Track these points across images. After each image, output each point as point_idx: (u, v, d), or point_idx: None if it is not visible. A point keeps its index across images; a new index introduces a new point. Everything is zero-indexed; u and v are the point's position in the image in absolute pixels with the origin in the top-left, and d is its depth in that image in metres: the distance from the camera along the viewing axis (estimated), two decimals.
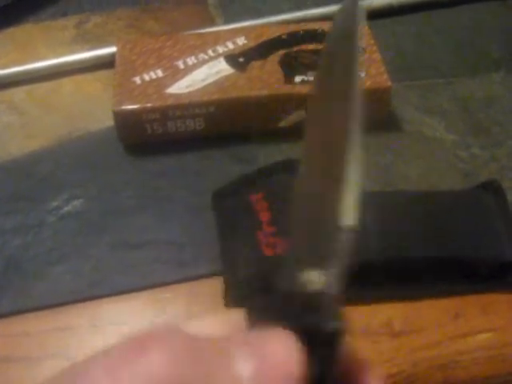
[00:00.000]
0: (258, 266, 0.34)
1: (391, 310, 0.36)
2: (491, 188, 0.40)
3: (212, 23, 0.56)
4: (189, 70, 0.45)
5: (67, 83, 0.52)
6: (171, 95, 0.43)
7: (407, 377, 0.34)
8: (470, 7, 0.57)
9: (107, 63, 0.51)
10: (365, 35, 0.47)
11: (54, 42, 0.56)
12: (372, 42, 0.47)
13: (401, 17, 0.56)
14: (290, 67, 0.46)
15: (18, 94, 0.50)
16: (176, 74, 0.45)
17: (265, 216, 0.36)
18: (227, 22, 0.55)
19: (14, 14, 0.58)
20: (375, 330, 0.35)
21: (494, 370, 0.35)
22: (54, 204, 0.41)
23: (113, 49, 0.49)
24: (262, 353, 0.19)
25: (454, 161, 0.44)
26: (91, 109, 0.47)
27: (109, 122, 0.44)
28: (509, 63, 0.52)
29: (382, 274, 0.36)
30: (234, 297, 0.33)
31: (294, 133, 0.43)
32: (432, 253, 0.35)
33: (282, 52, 0.47)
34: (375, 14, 0.55)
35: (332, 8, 0.54)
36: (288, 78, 0.45)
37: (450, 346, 0.35)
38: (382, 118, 0.46)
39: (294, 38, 0.48)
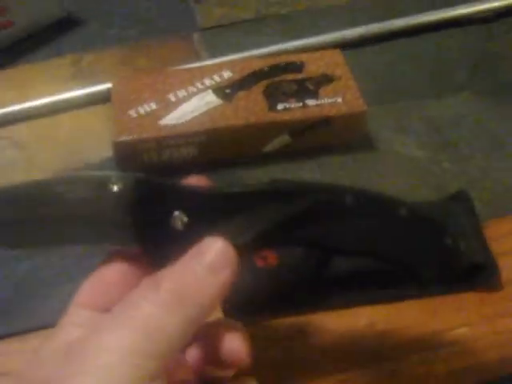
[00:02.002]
0: (252, 276, 0.37)
1: (373, 312, 0.39)
2: (460, 198, 0.43)
3: (198, 58, 0.58)
4: (180, 102, 0.48)
5: (66, 118, 0.54)
6: (165, 126, 0.46)
7: (391, 371, 0.37)
8: (434, 35, 0.59)
9: (103, 98, 0.54)
10: (340, 64, 0.50)
11: (50, 80, 0.58)
12: (347, 70, 0.50)
13: (373, 46, 0.59)
14: (272, 96, 0.49)
15: (19, 130, 0.53)
16: (168, 107, 0.48)
17: None
18: (212, 56, 0.58)
19: (10, 56, 0.60)
20: (360, 330, 0.38)
21: (470, 361, 0.37)
22: None
23: (108, 85, 0.52)
24: (182, 262, 0.26)
25: (426, 175, 0.47)
26: (89, 141, 0.50)
27: (106, 153, 0.47)
28: (471, 85, 0.55)
29: (364, 281, 0.39)
30: (231, 304, 0.36)
31: (278, 156, 0.47)
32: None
33: (264, 82, 0.50)
34: (349, 45, 0.58)
35: (309, 40, 0.57)
36: (271, 106, 0.48)
37: (430, 341, 0.38)
38: (360, 139, 0.49)
39: (275, 70, 0.51)
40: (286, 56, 0.53)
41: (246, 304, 0.37)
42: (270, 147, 0.48)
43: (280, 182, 0.29)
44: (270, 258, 0.39)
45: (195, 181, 0.29)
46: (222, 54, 0.57)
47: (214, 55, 0.58)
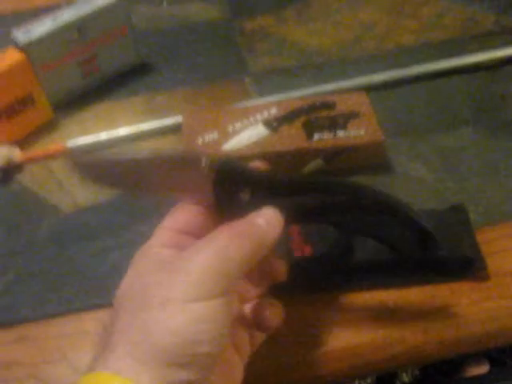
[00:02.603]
0: (291, 264, 0.42)
1: (386, 294, 0.47)
2: (458, 209, 0.51)
3: (249, 97, 0.65)
4: (236, 132, 0.56)
5: (144, 145, 0.62)
6: (225, 151, 0.54)
7: (396, 339, 0.44)
8: (445, 79, 0.65)
9: (173, 129, 0.62)
10: (365, 103, 0.57)
11: (129, 115, 0.65)
12: (370, 108, 0.57)
13: (393, 89, 0.65)
14: (309, 129, 0.55)
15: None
16: (227, 136, 0.55)
17: (295, 229, 0.49)
18: (261, 97, 0.64)
19: (98, 95, 0.69)
20: (375, 306, 0.46)
21: (460, 333, 0.45)
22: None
23: (179, 118, 0.61)
24: (247, 217, 0.36)
25: (432, 192, 0.54)
26: None
27: None
28: (475, 121, 0.60)
29: (379, 269, 0.48)
30: (275, 286, 0.43)
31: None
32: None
33: (303, 118, 0.56)
34: (373, 87, 0.64)
35: (340, 84, 0.64)
36: (308, 136, 0.54)
37: (428, 316, 0.45)
38: (380, 164, 0.56)
39: (312, 108, 0.57)
40: (321, 97, 0.59)
41: (287, 286, 0.42)
42: (306, 169, 0.55)
43: (320, 179, 0.39)
44: (305, 250, 0.48)
45: (259, 164, 0.40)
46: (269, 94, 0.64)
47: (262, 95, 0.65)
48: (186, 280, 0.32)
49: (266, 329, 0.40)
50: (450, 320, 0.46)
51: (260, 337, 0.41)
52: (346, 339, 0.45)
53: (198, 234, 0.37)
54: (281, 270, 0.40)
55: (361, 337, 0.45)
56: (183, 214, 0.38)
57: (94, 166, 0.39)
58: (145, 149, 0.62)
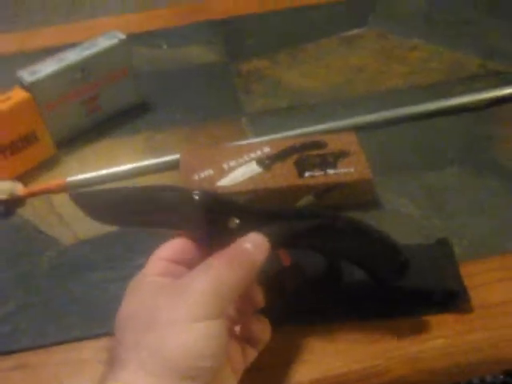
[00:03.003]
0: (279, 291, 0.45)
1: (372, 324, 0.48)
2: (443, 243, 0.52)
3: (245, 136, 0.67)
4: (231, 169, 0.58)
5: (142, 181, 0.64)
6: (220, 187, 0.56)
7: (383, 369, 0.46)
8: (432, 120, 0.67)
9: (171, 166, 0.64)
10: (354, 143, 0.59)
11: (129, 152, 0.68)
12: (359, 147, 0.59)
13: (382, 129, 0.67)
14: (301, 166, 0.57)
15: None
16: (222, 173, 0.57)
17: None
18: (256, 136, 0.67)
19: (99, 133, 0.71)
20: (361, 337, 0.47)
21: (445, 363, 0.46)
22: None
23: (176, 156, 0.63)
24: (236, 244, 0.39)
25: (419, 228, 0.55)
26: None
27: None
28: (460, 161, 0.62)
29: (366, 300, 0.49)
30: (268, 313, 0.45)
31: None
32: (403, 284, 0.47)
33: (295, 156, 0.58)
34: (362, 127, 0.66)
35: (329, 125, 0.66)
36: (300, 173, 0.56)
37: (415, 346, 0.46)
38: (369, 201, 0.58)
39: (303, 147, 0.59)
40: (313, 136, 0.62)
41: (276, 314, 0.45)
42: (298, 206, 0.55)
43: (301, 209, 0.44)
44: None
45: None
46: (263, 134, 0.66)
47: (257, 135, 0.67)
48: (189, 302, 0.36)
49: (256, 343, 0.43)
50: (435, 351, 0.47)
51: (252, 353, 0.43)
52: (334, 368, 0.46)
53: (189, 263, 0.40)
54: (258, 296, 0.42)
55: (348, 366, 0.46)
56: (174, 245, 0.41)
57: (90, 200, 0.42)
58: (142, 184, 0.64)
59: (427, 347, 0.47)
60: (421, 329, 0.48)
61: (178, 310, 0.36)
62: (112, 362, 0.36)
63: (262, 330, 0.43)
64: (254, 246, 0.40)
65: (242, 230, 0.41)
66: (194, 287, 0.36)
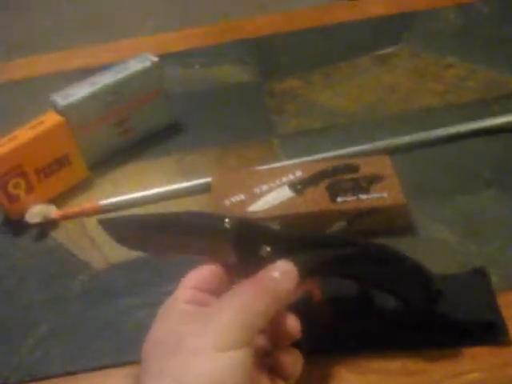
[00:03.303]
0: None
1: (405, 356, 0.47)
2: (480, 273, 0.51)
3: (277, 158, 0.67)
4: (262, 194, 0.57)
5: (172, 205, 0.64)
6: (251, 212, 0.56)
7: None
8: (468, 141, 0.66)
9: (202, 189, 0.64)
10: (388, 166, 0.58)
11: (161, 174, 0.68)
12: (392, 171, 0.58)
13: (417, 151, 0.66)
14: (333, 191, 0.56)
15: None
16: (254, 198, 0.57)
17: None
18: (288, 157, 0.66)
19: (130, 155, 0.71)
20: (393, 370, 0.47)
21: None
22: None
23: (208, 179, 0.63)
24: (263, 272, 0.39)
25: (454, 255, 0.54)
26: None
27: None
28: (498, 183, 0.61)
29: (398, 331, 0.48)
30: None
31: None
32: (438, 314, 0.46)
33: (327, 180, 0.57)
34: (397, 150, 0.65)
35: (364, 147, 0.65)
36: (332, 198, 0.56)
37: (449, 380, 0.45)
38: (403, 226, 0.57)
39: (336, 170, 0.58)
40: (345, 159, 0.61)
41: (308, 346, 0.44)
42: (330, 231, 0.53)
43: (332, 236, 0.44)
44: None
45: None
46: (295, 156, 0.65)
47: (289, 157, 0.66)
48: (215, 331, 0.36)
49: (287, 376, 0.42)
50: None
51: None
52: None
53: (217, 291, 0.40)
54: (295, 327, 0.42)
55: None
56: (203, 274, 0.41)
57: (118, 225, 0.43)
58: (172, 209, 0.64)
59: (462, 381, 0.46)
60: (455, 361, 0.47)
61: (203, 338, 0.35)
62: None
63: (294, 363, 0.42)
64: (281, 274, 0.39)
65: (273, 258, 0.40)
66: (219, 316, 0.36)
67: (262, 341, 0.43)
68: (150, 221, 0.45)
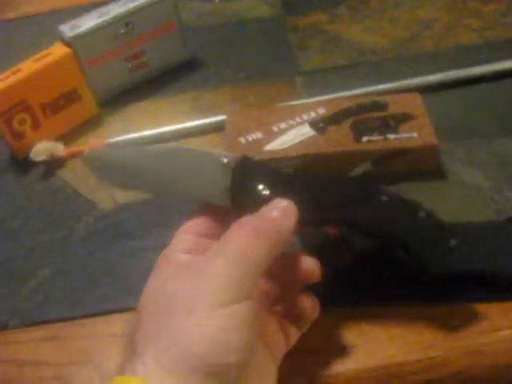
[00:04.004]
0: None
1: (432, 310, 0.44)
2: None
3: (298, 97, 0.63)
4: (281, 132, 0.54)
5: (185, 143, 0.61)
6: (268, 151, 0.52)
7: (441, 362, 0.41)
8: (508, 81, 0.61)
9: (217, 128, 0.61)
10: (419, 105, 0.54)
11: (175, 112, 0.65)
12: (424, 110, 0.54)
13: (450, 90, 0.62)
14: (358, 130, 0.53)
15: None
16: (271, 136, 0.54)
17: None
18: (310, 95, 0.63)
19: (145, 91, 0.69)
20: (418, 324, 0.43)
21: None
22: None
23: (222, 117, 0.60)
24: (258, 212, 0.34)
25: (489, 202, 0.50)
26: None
27: None
28: None
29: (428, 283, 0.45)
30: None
31: (361, 181, 0.54)
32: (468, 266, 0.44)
33: (352, 119, 0.54)
34: (429, 88, 0.61)
35: (392, 84, 0.62)
36: (357, 138, 0.52)
37: (478, 337, 0.42)
38: (433, 169, 0.53)
39: (362, 108, 0.55)
40: (373, 97, 0.57)
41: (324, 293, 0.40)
42: (354, 173, 0.52)
43: (341, 179, 0.41)
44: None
45: None
46: (319, 94, 0.62)
47: (311, 95, 0.63)
48: (208, 287, 0.31)
49: (301, 322, 0.38)
50: (500, 343, 0.42)
51: (295, 333, 0.39)
52: (386, 356, 0.42)
53: (217, 235, 0.35)
54: (314, 269, 0.37)
55: (403, 355, 0.42)
56: (201, 218, 0.37)
57: (103, 161, 0.39)
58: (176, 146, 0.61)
59: (492, 339, 0.42)
60: (485, 317, 0.43)
61: (198, 295, 0.31)
62: (132, 347, 0.32)
63: (312, 307, 0.38)
64: (280, 212, 0.35)
65: (271, 199, 0.36)
66: (214, 267, 0.32)
67: (269, 286, 0.39)
68: (138, 155, 0.41)
